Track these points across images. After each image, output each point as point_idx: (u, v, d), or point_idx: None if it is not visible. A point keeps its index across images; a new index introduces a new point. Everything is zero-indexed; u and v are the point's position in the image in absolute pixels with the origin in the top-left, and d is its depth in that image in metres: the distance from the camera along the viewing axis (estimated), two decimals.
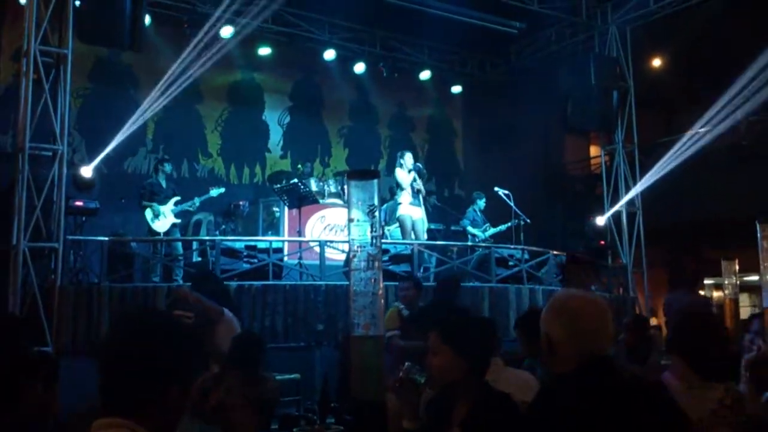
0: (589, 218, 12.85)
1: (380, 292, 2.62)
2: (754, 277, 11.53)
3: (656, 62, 15.39)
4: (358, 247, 2.63)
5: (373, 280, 2.55)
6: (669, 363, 5.93)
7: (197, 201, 9.96)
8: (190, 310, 5.22)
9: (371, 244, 2.56)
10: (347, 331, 2.59)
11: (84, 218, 9.29)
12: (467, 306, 7.11)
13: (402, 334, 5.84)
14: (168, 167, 10.08)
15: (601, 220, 12.52)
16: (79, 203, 8.90)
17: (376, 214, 2.61)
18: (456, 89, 15.16)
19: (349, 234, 2.62)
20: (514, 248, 10.28)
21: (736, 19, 11.62)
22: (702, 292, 15.04)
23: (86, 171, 9.29)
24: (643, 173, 12.59)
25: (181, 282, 8.51)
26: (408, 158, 9.96)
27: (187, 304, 5.23)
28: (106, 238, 8.52)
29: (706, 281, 14.92)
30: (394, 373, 2.78)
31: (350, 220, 2.59)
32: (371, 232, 2.60)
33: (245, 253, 8.87)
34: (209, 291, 5.60)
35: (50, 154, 8.00)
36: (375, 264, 2.57)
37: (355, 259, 2.60)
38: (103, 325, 7.65)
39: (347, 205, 2.78)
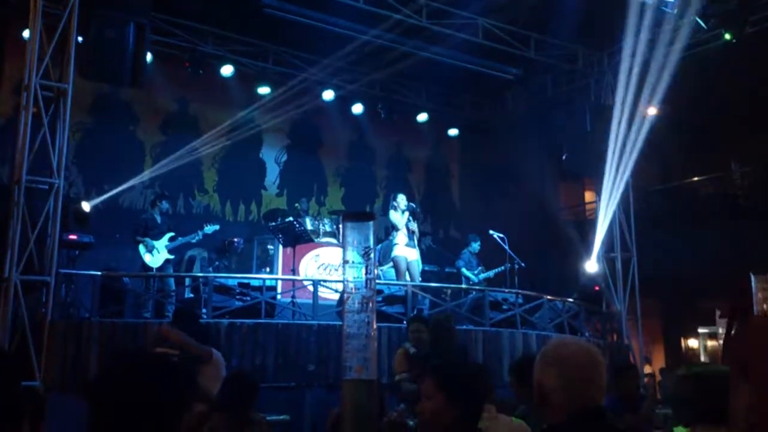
0: (583, 264, 12.85)
1: (373, 334, 2.61)
2: None
3: (651, 111, 15.54)
4: (352, 288, 2.62)
5: (366, 322, 2.54)
6: (663, 411, 5.88)
7: (201, 233, 9.92)
8: (175, 349, 5.15)
9: (366, 286, 2.56)
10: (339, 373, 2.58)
11: (77, 252, 9.25)
12: (465, 346, 7.00)
13: (412, 377, 5.71)
14: (165, 205, 10.08)
15: (591, 266, 12.49)
16: (73, 237, 8.87)
17: (371, 255, 2.61)
18: (453, 132, 15.29)
19: (343, 275, 2.61)
20: (509, 292, 10.24)
21: (732, 68, 11.80)
22: (696, 341, 15.02)
23: (86, 206, 9.31)
24: (637, 220, 12.66)
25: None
26: (401, 200, 9.99)
27: (171, 343, 5.16)
28: (99, 273, 8.48)
29: (701, 330, 14.88)
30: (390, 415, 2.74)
31: (345, 262, 2.59)
32: (366, 274, 2.60)
33: (238, 291, 8.82)
34: (192, 330, 5.52)
35: (47, 187, 7.99)
36: (369, 306, 2.55)
37: (349, 301, 2.59)
38: (93, 360, 7.56)
39: (342, 245, 2.78)
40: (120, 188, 10.36)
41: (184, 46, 11.77)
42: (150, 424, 1.60)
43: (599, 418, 2.11)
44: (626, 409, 5.20)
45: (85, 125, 11.98)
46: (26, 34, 8.56)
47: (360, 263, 2.57)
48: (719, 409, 2.81)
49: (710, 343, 14.39)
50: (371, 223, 2.64)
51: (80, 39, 8.66)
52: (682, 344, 15.29)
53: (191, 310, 7.86)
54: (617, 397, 5.51)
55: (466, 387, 2.58)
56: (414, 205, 10.18)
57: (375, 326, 2.57)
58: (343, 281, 2.61)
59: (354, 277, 2.55)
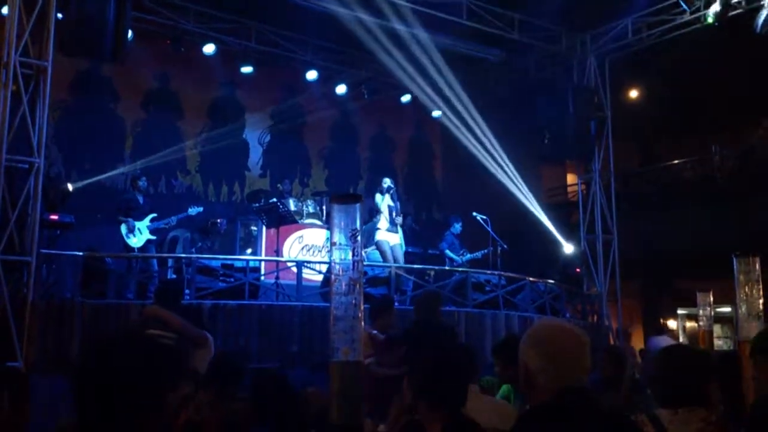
0: (564, 246, 12.95)
1: (360, 315, 2.63)
2: (728, 309, 11.68)
3: (633, 93, 15.64)
4: (340, 270, 2.63)
5: (353, 304, 2.55)
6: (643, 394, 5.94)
7: (174, 219, 9.89)
8: (168, 331, 5.10)
9: (353, 269, 2.57)
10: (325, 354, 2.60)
11: (58, 232, 9.17)
12: (449, 326, 7.01)
13: (378, 360, 5.67)
14: (143, 183, 10.00)
15: (569, 247, 12.60)
16: (54, 217, 8.77)
17: (359, 238, 2.62)
18: (436, 113, 15.25)
19: (330, 257, 2.62)
20: (491, 273, 10.31)
21: (712, 52, 11.86)
22: (675, 322, 15.22)
23: (71, 187, 9.24)
24: (618, 202, 12.76)
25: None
26: (385, 183, 10.02)
27: (162, 325, 5.11)
28: (81, 253, 8.41)
29: (680, 311, 15.08)
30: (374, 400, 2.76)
31: (332, 244, 2.59)
32: (353, 256, 2.61)
33: (221, 272, 8.81)
34: (182, 311, 5.47)
35: (27, 166, 7.89)
36: (356, 288, 2.57)
37: (337, 283, 2.60)
38: (75, 341, 7.53)
39: (328, 227, 2.79)
40: (107, 174, 10.27)
41: (165, 23, 11.61)
42: (138, 404, 1.60)
43: (583, 398, 2.14)
44: (609, 390, 5.26)
45: (65, 103, 11.82)
46: (5, 10, 8.41)
47: (347, 245, 2.57)
48: (699, 391, 2.86)
49: (689, 324, 14.58)
50: (358, 205, 2.65)
51: (60, 15, 8.52)
52: (662, 325, 15.49)
53: (175, 287, 7.76)
54: (600, 377, 5.58)
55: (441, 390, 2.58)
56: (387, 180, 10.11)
57: (362, 308, 2.58)
58: (330, 263, 2.62)
59: (341, 259, 2.55)
